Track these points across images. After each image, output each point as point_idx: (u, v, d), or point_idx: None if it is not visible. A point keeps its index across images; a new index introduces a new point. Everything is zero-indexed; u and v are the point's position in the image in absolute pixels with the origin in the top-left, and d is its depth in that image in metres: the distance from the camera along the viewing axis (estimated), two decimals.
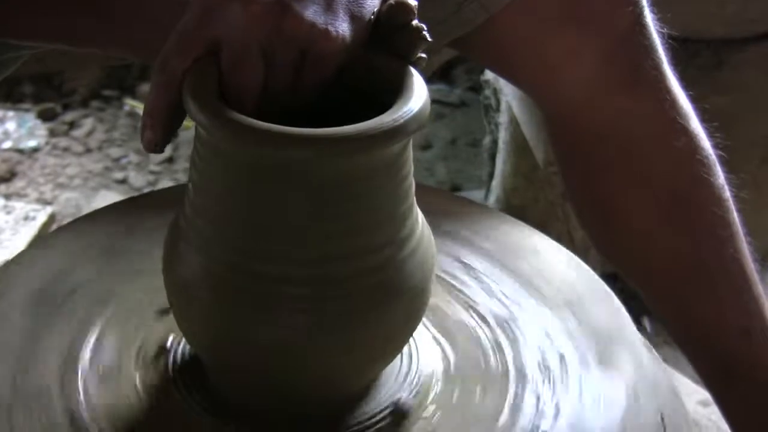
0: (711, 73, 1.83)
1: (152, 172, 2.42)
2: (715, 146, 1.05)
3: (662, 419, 0.77)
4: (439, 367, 0.77)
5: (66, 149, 2.47)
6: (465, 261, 0.87)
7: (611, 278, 0.91)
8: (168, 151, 2.39)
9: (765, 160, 1.89)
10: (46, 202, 2.29)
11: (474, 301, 0.84)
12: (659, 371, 0.83)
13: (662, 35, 1.03)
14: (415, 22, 0.70)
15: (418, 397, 0.75)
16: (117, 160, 2.46)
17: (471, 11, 1.00)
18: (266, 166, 0.65)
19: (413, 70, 0.69)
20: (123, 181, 2.40)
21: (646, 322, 1.80)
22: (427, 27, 0.71)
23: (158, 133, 0.69)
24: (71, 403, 0.74)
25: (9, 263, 0.87)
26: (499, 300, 0.84)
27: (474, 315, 0.82)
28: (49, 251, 0.88)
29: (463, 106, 2.64)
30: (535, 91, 1.09)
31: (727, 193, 1.05)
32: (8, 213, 2.17)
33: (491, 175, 2.09)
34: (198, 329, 0.72)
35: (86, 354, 0.77)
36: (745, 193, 1.07)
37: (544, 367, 0.78)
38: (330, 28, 0.68)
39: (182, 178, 2.36)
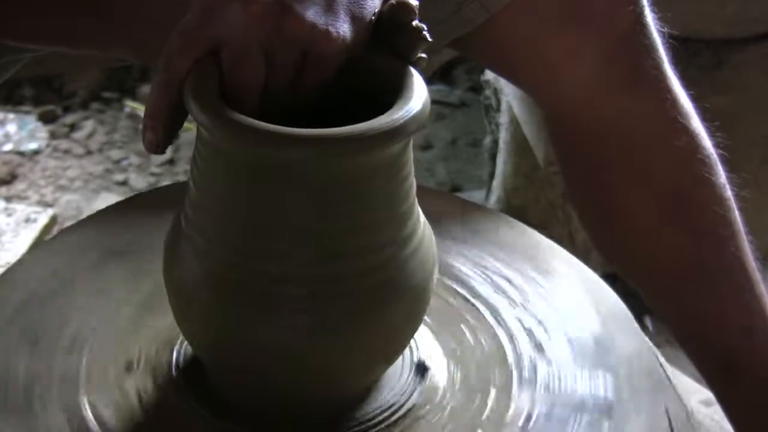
0: (711, 73, 1.83)
1: (153, 174, 2.42)
2: (716, 146, 1.05)
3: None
4: (442, 370, 0.77)
5: (67, 151, 2.47)
6: (466, 262, 0.87)
7: (612, 279, 0.91)
8: (169, 152, 2.39)
9: (765, 160, 1.89)
10: (47, 205, 2.29)
11: (476, 302, 0.84)
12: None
13: (663, 35, 1.03)
14: (415, 22, 0.70)
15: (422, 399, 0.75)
16: (118, 162, 2.46)
17: (471, 11, 1.00)
18: (267, 166, 0.65)
19: (413, 71, 0.69)
20: (124, 183, 2.40)
21: (648, 321, 1.80)
22: (427, 27, 0.71)
23: (159, 133, 0.69)
24: (72, 402, 0.74)
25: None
26: (502, 301, 0.84)
27: (476, 315, 0.82)
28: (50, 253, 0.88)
29: (464, 106, 2.64)
30: (535, 91, 1.09)
31: (728, 193, 1.04)
32: (9, 215, 2.17)
33: (492, 176, 2.09)
34: (198, 329, 0.72)
35: (88, 354, 0.77)
36: (746, 192, 1.07)
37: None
38: (330, 28, 0.68)
39: (183, 179, 2.35)
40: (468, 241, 0.90)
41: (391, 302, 0.69)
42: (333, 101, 0.71)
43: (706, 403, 1.27)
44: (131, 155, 2.47)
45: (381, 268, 0.68)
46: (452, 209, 0.94)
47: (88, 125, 2.55)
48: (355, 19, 0.69)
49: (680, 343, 1.07)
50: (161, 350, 0.78)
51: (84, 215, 2.06)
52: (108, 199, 2.26)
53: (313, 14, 0.67)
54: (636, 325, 0.85)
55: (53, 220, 2.20)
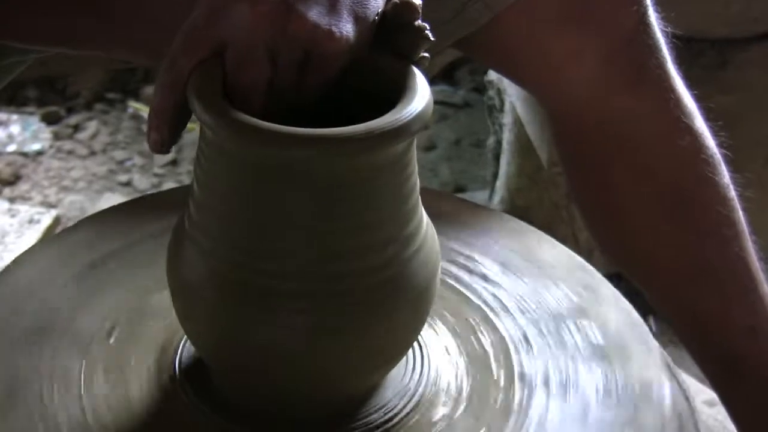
0: (715, 73, 1.83)
1: (156, 175, 2.42)
2: (720, 145, 1.05)
3: None
4: (448, 373, 0.77)
5: (70, 152, 2.48)
6: (469, 263, 0.87)
7: (615, 279, 0.91)
8: (172, 153, 2.39)
9: None
10: (51, 205, 2.30)
11: (479, 303, 0.84)
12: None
13: (666, 34, 1.03)
14: (417, 21, 0.70)
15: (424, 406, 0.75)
16: (121, 162, 2.46)
17: (475, 11, 1.00)
18: (270, 165, 0.65)
19: (416, 70, 0.69)
20: (127, 184, 2.40)
21: (651, 322, 1.80)
22: (430, 27, 0.71)
23: (164, 133, 0.69)
24: (73, 401, 0.74)
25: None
26: (505, 302, 0.84)
27: (480, 317, 0.82)
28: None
29: (467, 107, 2.64)
30: (539, 91, 1.09)
31: (732, 193, 1.04)
32: (13, 216, 2.17)
33: (495, 176, 2.09)
34: (202, 329, 0.71)
35: (89, 353, 0.78)
36: (750, 192, 1.07)
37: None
38: (334, 29, 0.68)
39: (186, 180, 2.36)
40: (470, 242, 0.89)
41: (393, 301, 0.69)
42: (336, 101, 0.71)
43: (710, 404, 1.27)
44: (135, 156, 2.48)
45: (383, 267, 0.68)
46: (455, 210, 0.93)
47: (92, 126, 2.55)
48: (359, 20, 0.69)
49: (684, 343, 1.07)
50: (162, 350, 0.78)
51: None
52: (111, 199, 2.26)
53: (316, 14, 0.67)
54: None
55: (57, 221, 2.21)
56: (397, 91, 0.67)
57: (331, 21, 0.68)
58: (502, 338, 0.80)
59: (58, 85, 2.62)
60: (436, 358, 0.78)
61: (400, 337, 0.72)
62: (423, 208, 0.71)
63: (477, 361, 0.78)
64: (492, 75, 2.08)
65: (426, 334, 0.77)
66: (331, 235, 0.66)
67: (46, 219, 2.18)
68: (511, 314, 0.83)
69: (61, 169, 2.42)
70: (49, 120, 2.55)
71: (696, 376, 1.20)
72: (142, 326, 0.80)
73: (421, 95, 0.67)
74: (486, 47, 1.05)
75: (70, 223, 2.12)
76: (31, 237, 2.12)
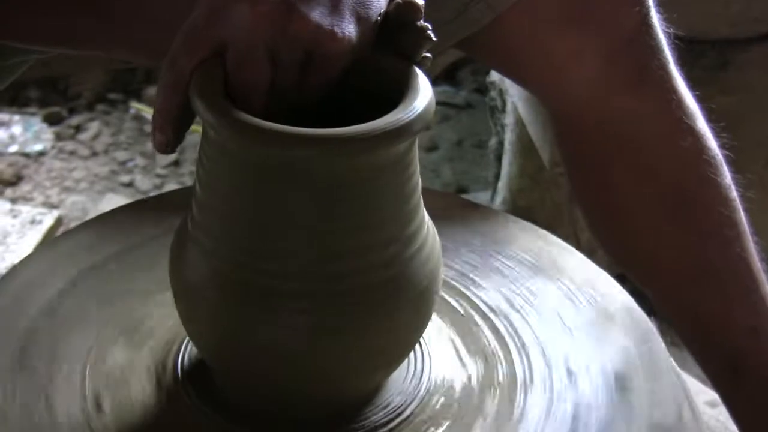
0: (716, 74, 1.83)
1: (158, 176, 2.42)
2: (722, 146, 1.05)
3: None
4: (450, 375, 0.77)
5: (72, 153, 2.48)
6: (472, 264, 0.87)
7: (618, 279, 0.91)
8: (174, 154, 2.40)
9: None
10: (53, 206, 2.30)
11: (482, 304, 0.84)
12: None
13: (668, 35, 1.03)
14: (420, 21, 0.70)
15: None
16: (123, 163, 2.46)
17: (477, 11, 1.00)
18: (273, 165, 0.65)
19: (418, 71, 0.69)
20: (129, 185, 2.40)
21: (653, 323, 1.80)
22: (433, 27, 0.71)
23: (169, 133, 0.69)
24: (75, 401, 0.74)
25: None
26: (510, 301, 0.84)
27: (483, 317, 0.82)
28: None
29: (469, 107, 2.64)
30: (541, 91, 1.09)
31: (734, 193, 1.04)
32: (15, 217, 2.17)
33: (497, 177, 2.09)
34: (204, 329, 0.71)
35: (90, 353, 0.78)
36: (752, 193, 1.07)
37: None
38: (336, 29, 0.68)
39: (188, 181, 2.36)
40: (471, 242, 0.89)
41: (394, 301, 0.69)
42: (338, 101, 0.71)
43: (711, 404, 1.27)
44: (137, 156, 2.48)
45: (384, 267, 0.68)
46: (457, 210, 0.93)
47: (94, 127, 2.56)
48: (361, 20, 0.69)
49: (685, 343, 1.07)
50: (165, 352, 0.78)
51: (89, 216, 2.06)
52: (113, 200, 2.26)
53: (318, 15, 0.67)
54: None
55: (59, 222, 2.21)
56: (400, 92, 0.67)
57: (333, 21, 0.68)
58: (503, 339, 0.80)
59: (60, 86, 2.63)
60: (438, 360, 0.78)
61: (402, 338, 0.72)
62: (424, 208, 0.71)
63: (478, 363, 0.78)
64: (494, 76, 2.08)
65: (428, 335, 0.77)
66: (332, 235, 0.66)
67: (48, 220, 2.18)
68: (513, 314, 0.83)
69: (63, 169, 2.42)
70: (51, 120, 2.55)
71: (697, 376, 1.20)
72: (144, 328, 0.80)
73: (423, 95, 0.67)
74: (488, 47, 1.05)
75: (72, 224, 2.12)
76: (33, 238, 2.12)
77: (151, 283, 0.82)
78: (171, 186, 2.37)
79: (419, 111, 0.65)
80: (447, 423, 0.74)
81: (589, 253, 0.92)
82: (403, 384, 0.76)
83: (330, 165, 0.65)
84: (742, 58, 1.83)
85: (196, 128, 0.68)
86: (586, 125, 1.04)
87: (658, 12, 1.03)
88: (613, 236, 1.09)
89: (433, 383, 0.76)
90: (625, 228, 1.07)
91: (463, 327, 0.81)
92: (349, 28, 0.68)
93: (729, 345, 1.02)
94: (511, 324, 0.82)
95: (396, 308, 0.69)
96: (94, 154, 2.48)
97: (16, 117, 2.54)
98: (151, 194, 2.27)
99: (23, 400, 0.74)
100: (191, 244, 0.70)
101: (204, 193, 0.69)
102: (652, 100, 1.02)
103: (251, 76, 0.67)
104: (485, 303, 0.83)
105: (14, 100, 2.58)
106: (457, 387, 0.76)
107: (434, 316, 0.75)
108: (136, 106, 2.61)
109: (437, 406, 0.75)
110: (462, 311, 0.83)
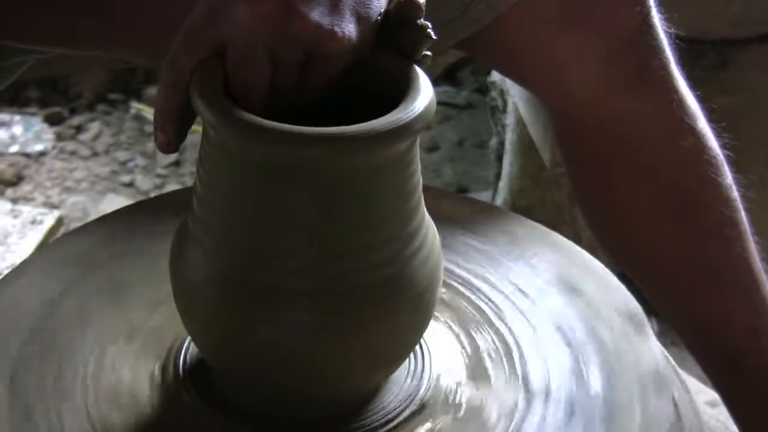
0: (716, 74, 1.83)
1: (159, 176, 2.43)
2: (723, 146, 1.05)
3: None
4: (450, 376, 0.77)
5: (73, 153, 2.48)
6: (475, 263, 0.87)
7: (618, 278, 0.91)
8: (174, 154, 2.40)
9: None
10: (53, 206, 2.30)
11: (481, 303, 0.84)
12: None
13: (669, 35, 1.03)
14: (420, 19, 0.70)
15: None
16: (124, 163, 2.46)
17: (478, 11, 1.00)
18: (273, 164, 0.65)
19: (419, 70, 0.69)
20: (130, 185, 2.40)
21: (653, 323, 1.80)
22: (433, 27, 0.71)
23: (170, 133, 0.69)
24: (77, 401, 0.74)
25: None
26: (512, 301, 0.84)
27: (483, 317, 0.82)
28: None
29: (470, 107, 2.64)
30: (541, 91, 1.09)
31: (735, 193, 1.04)
32: (15, 217, 2.17)
33: (498, 177, 2.09)
34: (204, 329, 0.71)
35: (91, 353, 0.78)
36: (752, 193, 1.07)
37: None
38: (336, 29, 0.68)
39: (189, 181, 2.36)
40: (472, 242, 0.89)
41: (395, 300, 0.69)
42: (338, 101, 0.71)
43: (712, 404, 1.26)
44: (137, 157, 2.48)
45: (384, 265, 0.68)
46: (458, 209, 0.93)
47: (94, 127, 2.56)
48: (361, 20, 0.69)
49: (686, 343, 1.07)
50: (166, 352, 0.78)
51: (90, 217, 2.06)
52: (114, 200, 2.26)
53: (318, 14, 0.67)
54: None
55: (59, 222, 2.21)
56: (400, 91, 0.67)
57: (333, 21, 0.68)
58: (504, 340, 0.80)
59: (60, 86, 2.63)
60: (438, 361, 0.78)
61: (402, 338, 0.72)
62: (425, 207, 0.71)
63: (479, 364, 0.78)
64: (495, 76, 2.08)
65: (428, 336, 0.77)
66: (332, 235, 0.66)
67: (49, 220, 2.18)
68: (513, 315, 0.83)
69: (63, 169, 2.42)
70: (52, 121, 2.55)
71: (698, 376, 1.20)
72: (144, 328, 0.80)
73: (424, 95, 0.67)
74: (489, 47, 1.05)
75: (73, 224, 2.12)
76: (34, 238, 2.12)
77: (152, 283, 0.82)
78: (172, 186, 2.37)
79: (420, 111, 0.65)
80: (447, 423, 0.74)
81: (590, 252, 0.92)
82: (403, 384, 0.76)
83: (331, 164, 0.65)
84: (742, 58, 1.83)
85: (197, 128, 0.68)
86: (587, 125, 1.04)
87: (659, 12, 1.03)
88: (614, 236, 1.09)
89: (433, 383, 0.76)
90: (626, 228, 1.07)
91: (464, 327, 0.81)
92: (349, 28, 0.68)
93: (729, 345, 1.02)
94: (512, 325, 0.82)
95: (396, 308, 0.69)
96: (95, 154, 2.48)
97: (17, 117, 2.54)
98: (152, 194, 2.27)
99: (23, 401, 0.74)
100: (192, 244, 0.70)
101: (204, 192, 0.69)
102: (653, 100, 1.02)
103: (251, 75, 0.67)
104: (486, 303, 0.83)
105: (15, 100, 2.58)
106: (458, 387, 0.76)
107: (434, 316, 0.75)
108: (136, 106, 2.61)
109: (437, 407, 0.75)
110: (462, 311, 0.83)
